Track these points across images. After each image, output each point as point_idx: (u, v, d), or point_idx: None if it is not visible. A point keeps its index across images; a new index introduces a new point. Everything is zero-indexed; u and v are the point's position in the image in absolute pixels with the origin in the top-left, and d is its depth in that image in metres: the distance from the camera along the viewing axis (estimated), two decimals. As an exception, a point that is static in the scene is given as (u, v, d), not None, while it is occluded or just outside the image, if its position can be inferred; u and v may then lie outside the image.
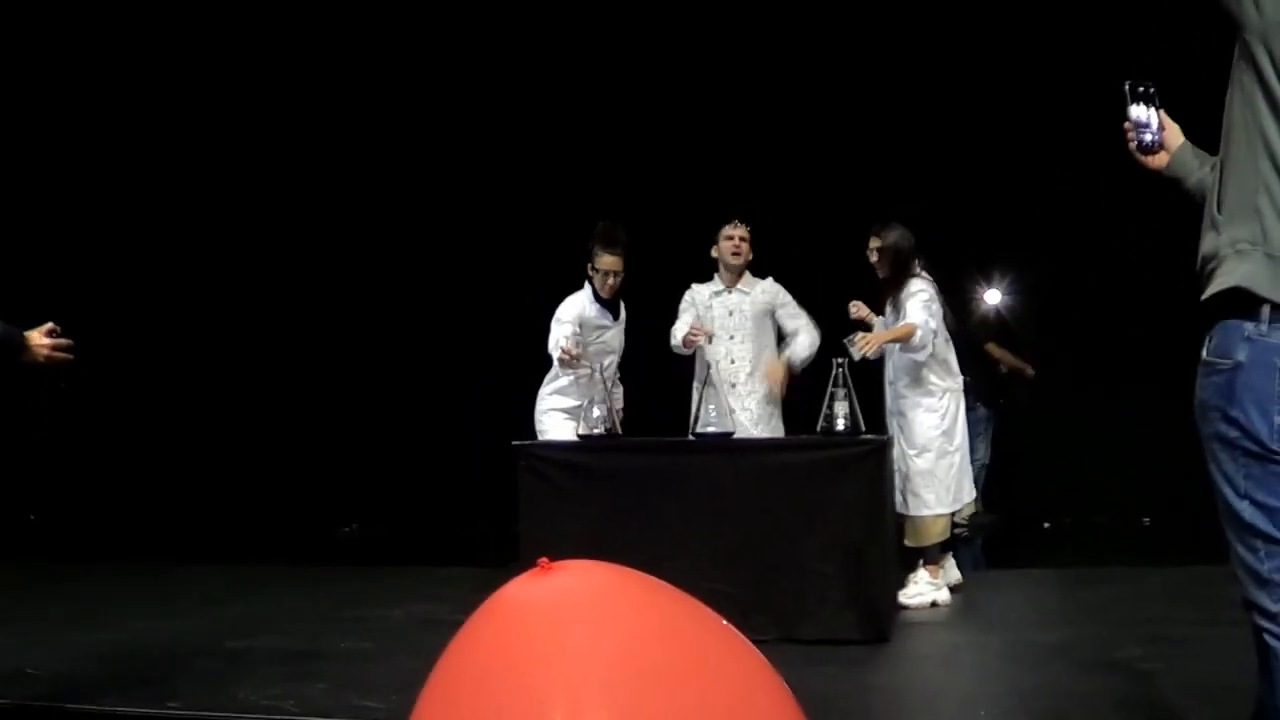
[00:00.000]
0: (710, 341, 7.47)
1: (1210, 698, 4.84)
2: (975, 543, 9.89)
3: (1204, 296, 2.92)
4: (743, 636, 2.73)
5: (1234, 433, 2.81)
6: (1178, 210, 3.41)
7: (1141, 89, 3.44)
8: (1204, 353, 2.90)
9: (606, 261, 7.37)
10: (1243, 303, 2.81)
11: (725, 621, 2.74)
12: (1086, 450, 10.22)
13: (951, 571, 7.50)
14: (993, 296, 10.96)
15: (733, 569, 6.37)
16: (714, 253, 7.63)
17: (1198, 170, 3.31)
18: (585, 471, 6.66)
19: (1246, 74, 2.86)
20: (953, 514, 7.37)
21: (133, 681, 5.69)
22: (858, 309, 7.41)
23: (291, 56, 11.15)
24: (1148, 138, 3.42)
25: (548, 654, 2.49)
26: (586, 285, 7.49)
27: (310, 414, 11.52)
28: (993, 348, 10.58)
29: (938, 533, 7.21)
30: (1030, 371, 10.62)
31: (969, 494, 7.45)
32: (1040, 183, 10.15)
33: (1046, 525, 10.74)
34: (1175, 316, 10.05)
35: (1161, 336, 10.27)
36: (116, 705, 5.28)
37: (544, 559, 2.69)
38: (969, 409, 10.11)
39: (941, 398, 7.33)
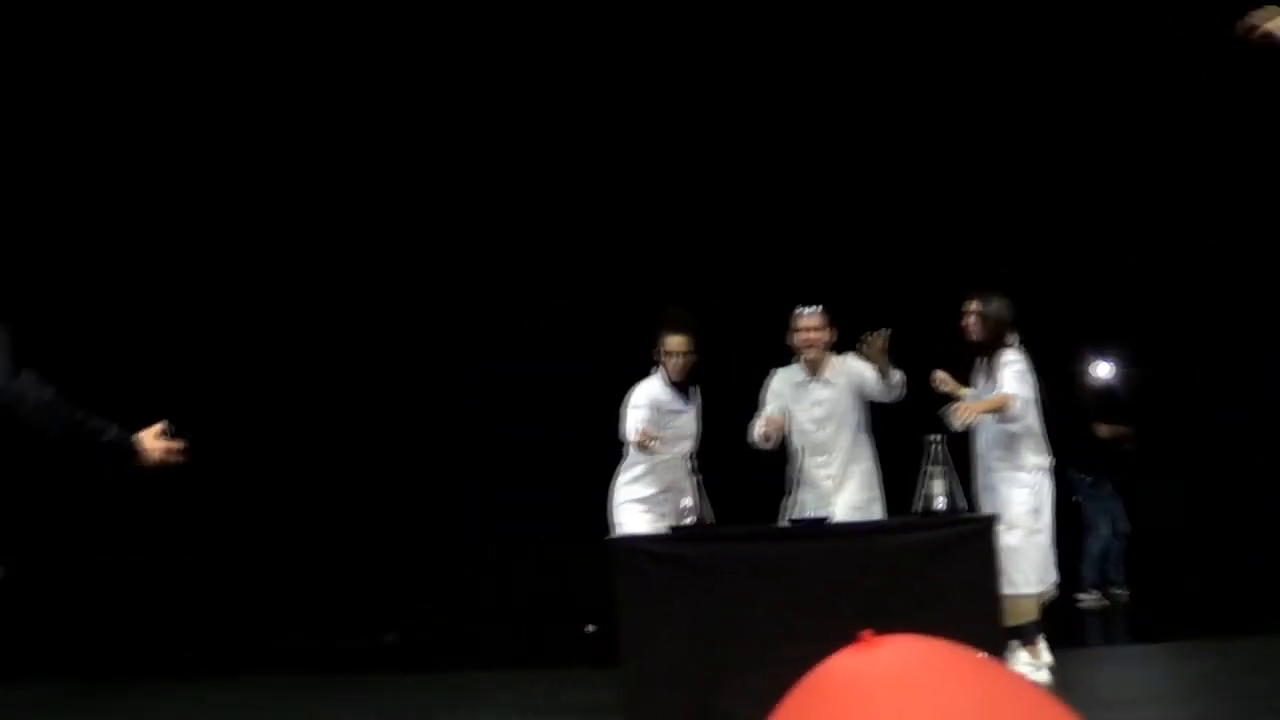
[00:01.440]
0: (783, 434, 7.20)
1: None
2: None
3: None
4: (1068, 710, 2.53)
5: None
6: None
7: None
8: None
9: (674, 343, 7.15)
10: None
11: (1054, 697, 2.54)
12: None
13: (1044, 653, 7.25)
14: (1103, 370, 10.85)
15: (844, 657, 6.12)
16: (790, 341, 7.30)
17: None
18: (683, 564, 6.41)
19: None
20: (1040, 594, 7.13)
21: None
22: (944, 381, 7.20)
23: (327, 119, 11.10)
24: None
25: None
26: (657, 370, 7.24)
27: (330, 519, 11.23)
28: (1101, 429, 10.47)
29: (1026, 611, 6.97)
30: (1130, 434, 10.48)
31: (1054, 574, 7.21)
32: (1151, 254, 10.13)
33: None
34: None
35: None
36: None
37: (868, 631, 2.55)
38: (1094, 485, 10.13)
39: (1033, 474, 7.13)
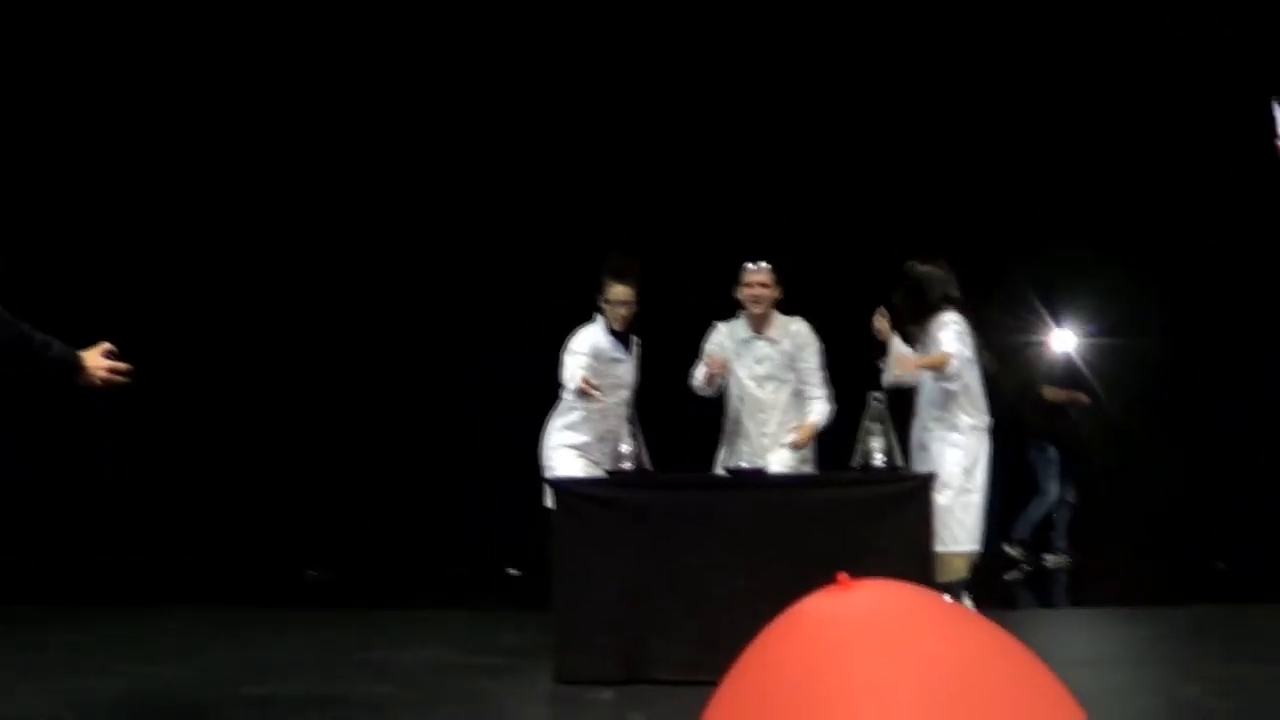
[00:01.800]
0: (727, 375, 7.22)
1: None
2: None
3: None
4: (1045, 666, 2.51)
5: None
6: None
7: None
8: None
9: (618, 292, 7.11)
10: None
11: (1023, 645, 2.52)
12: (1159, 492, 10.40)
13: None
14: (1063, 340, 10.91)
15: (776, 608, 6.10)
16: (737, 295, 7.31)
17: None
18: (622, 508, 6.36)
19: None
20: (971, 554, 7.17)
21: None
22: (881, 321, 7.22)
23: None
24: None
25: (854, 669, 2.35)
26: (598, 318, 7.20)
27: (265, 453, 11.09)
28: (1046, 390, 10.58)
29: (956, 569, 7.02)
30: (1084, 399, 10.59)
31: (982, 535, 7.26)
32: (1117, 222, 10.19)
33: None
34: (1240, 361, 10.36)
35: (1227, 379, 10.55)
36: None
37: (843, 575, 2.53)
38: (1041, 450, 10.22)
39: (968, 434, 7.15)
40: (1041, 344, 10.85)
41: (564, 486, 6.54)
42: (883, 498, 6.28)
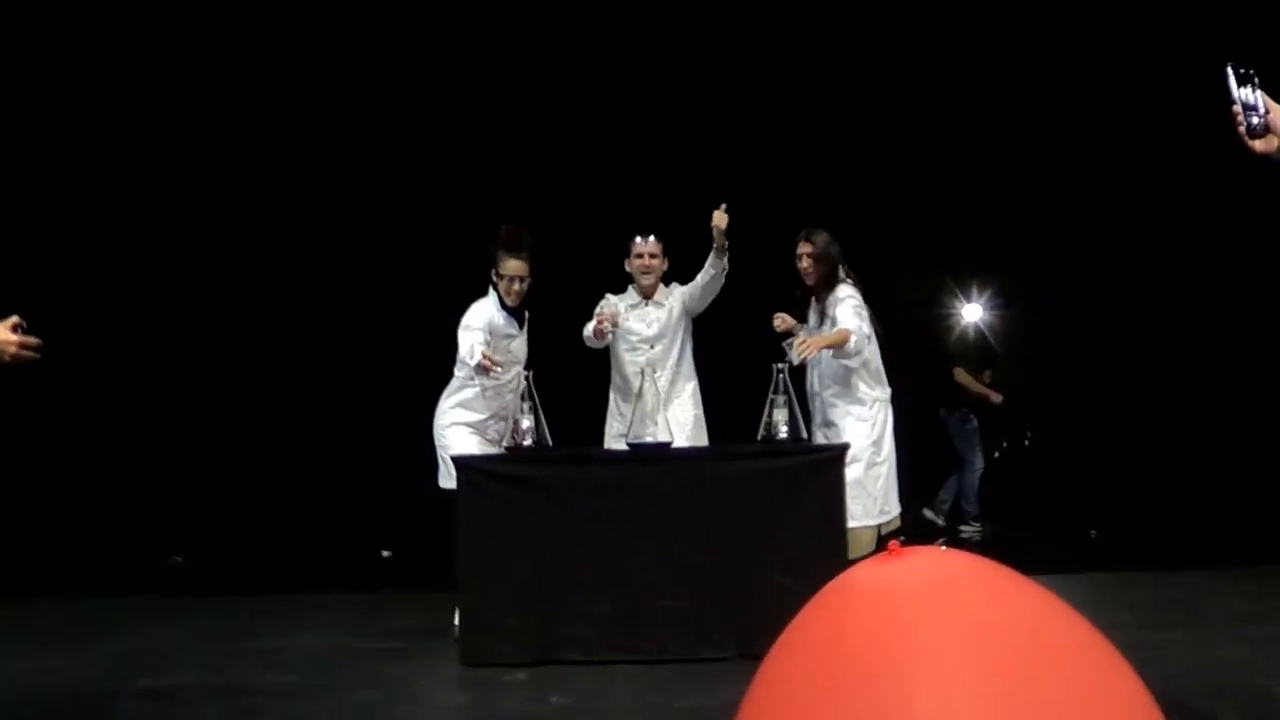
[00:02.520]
0: (618, 327, 7.25)
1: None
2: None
3: None
4: (1100, 634, 2.45)
5: None
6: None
7: (1243, 71, 3.33)
8: None
9: (511, 267, 6.94)
10: None
11: (1080, 615, 2.46)
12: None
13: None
14: (972, 312, 10.96)
15: (689, 585, 6.09)
16: (627, 267, 7.44)
17: None
18: (527, 485, 6.21)
19: None
20: (880, 526, 7.18)
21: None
22: (782, 322, 7.21)
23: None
24: (1255, 120, 3.30)
25: (911, 636, 2.26)
26: (490, 292, 7.04)
27: (120, 438, 10.73)
28: (959, 374, 10.69)
29: (866, 543, 7.00)
30: (996, 398, 10.71)
31: (896, 506, 7.28)
32: (1023, 193, 10.27)
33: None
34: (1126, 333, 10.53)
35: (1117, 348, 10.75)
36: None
37: (894, 542, 2.44)
38: (964, 421, 10.33)
39: (871, 407, 7.19)
40: (953, 317, 10.98)
41: (467, 463, 6.36)
42: (794, 469, 6.23)
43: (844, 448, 6.45)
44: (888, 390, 7.26)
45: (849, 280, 7.18)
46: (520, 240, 7.00)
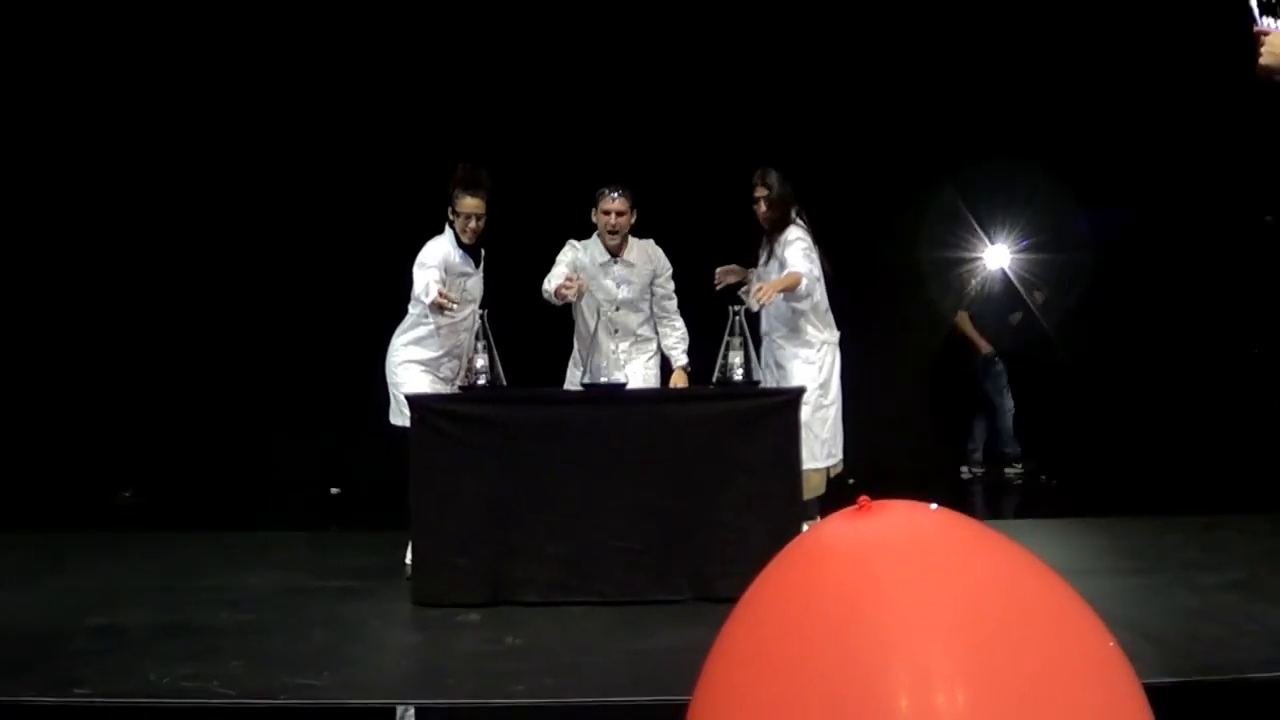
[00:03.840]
0: (581, 297, 7.09)
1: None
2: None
3: None
4: (1079, 596, 2.44)
5: None
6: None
7: (1267, 1, 3.32)
8: None
9: (468, 204, 6.88)
10: None
11: (1059, 577, 2.44)
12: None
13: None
14: (998, 256, 10.95)
15: (645, 527, 6.11)
16: (593, 218, 7.22)
17: None
18: (483, 424, 6.19)
19: None
20: (828, 469, 7.21)
21: (11, 667, 4.98)
22: (726, 273, 7.23)
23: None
24: None
25: (880, 598, 2.22)
26: (447, 230, 6.99)
27: (65, 370, 10.60)
28: (960, 319, 10.85)
29: (815, 486, 7.03)
30: (985, 349, 10.78)
31: (840, 449, 7.30)
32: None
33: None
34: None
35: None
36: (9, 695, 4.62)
37: (864, 497, 2.38)
38: (988, 365, 10.48)
39: (819, 349, 7.18)
40: (976, 260, 11.00)
41: (421, 402, 6.33)
42: (750, 412, 6.23)
43: (799, 391, 6.47)
44: (835, 333, 7.24)
45: (798, 222, 7.16)
46: (478, 179, 6.94)
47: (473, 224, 6.91)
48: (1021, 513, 9.44)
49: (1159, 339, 10.83)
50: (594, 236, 7.25)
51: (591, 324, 7.19)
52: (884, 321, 10.25)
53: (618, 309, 7.22)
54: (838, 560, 2.34)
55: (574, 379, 7.25)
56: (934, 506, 2.46)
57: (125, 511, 9.86)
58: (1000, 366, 10.76)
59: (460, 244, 6.95)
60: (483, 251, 7.12)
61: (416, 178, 7.78)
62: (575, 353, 7.38)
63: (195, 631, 5.58)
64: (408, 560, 6.43)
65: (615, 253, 7.18)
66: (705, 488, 6.12)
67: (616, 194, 7.10)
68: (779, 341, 7.22)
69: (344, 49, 10.42)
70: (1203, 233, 10.66)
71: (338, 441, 10.30)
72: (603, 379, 6.62)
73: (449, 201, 6.94)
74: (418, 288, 6.77)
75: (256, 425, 10.61)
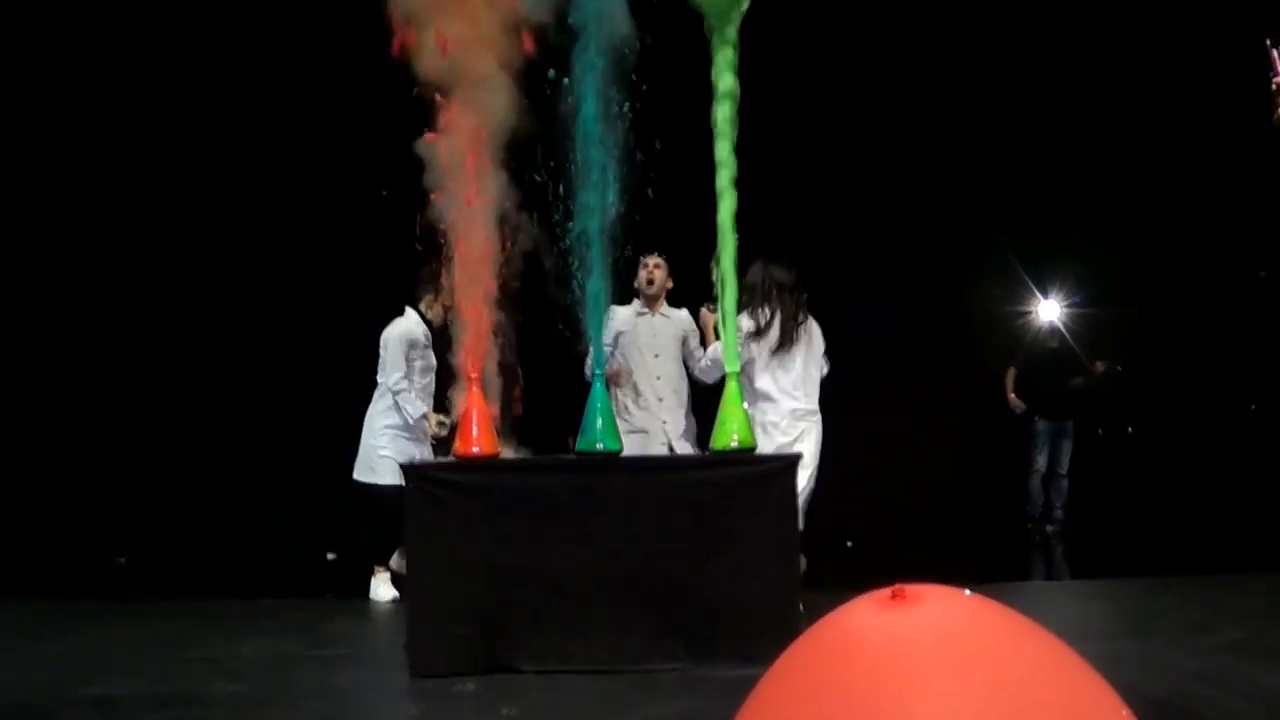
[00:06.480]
0: (628, 380, 7.90)
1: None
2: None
3: None
4: (1106, 684, 2.39)
5: None
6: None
7: None
8: None
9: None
10: None
11: (1096, 671, 2.39)
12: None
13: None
14: (1049, 310, 10.98)
15: (641, 594, 6.07)
16: (636, 283, 8.02)
17: None
18: (477, 492, 6.15)
19: None
20: None
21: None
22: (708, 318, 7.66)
23: None
24: None
25: (913, 702, 2.14)
26: (410, 312, 8.36)
27: (63, 436, 10.59)
28: (1007, 377, 11.02)
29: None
30: (1017, 406, 10.97)
31: None
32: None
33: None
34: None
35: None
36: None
37: (899, 586, 2.31)
38: (1028, 422, 10.74)
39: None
40: (1029, 314, 11.03)
41: (416, 470, 6.32)
42: (746, 479, 6.21)
43: (795, 458, 6.45)
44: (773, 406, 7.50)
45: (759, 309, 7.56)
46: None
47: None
48: (1020, 573, 9.38)
49: (1156, 395, 10.83)
50: (635, 299, 8.08)
51: (632, 375, 7.87)
52: (935, 375, 10.41)
53: (656, 356, 7.88)
54: (870, 655, 2.26)
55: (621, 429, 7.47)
56: (968, 593, 2.40)
57: (119, 578, 9.80)
58: (1040, 426, 10.78)
59: (425, 320, 8.18)
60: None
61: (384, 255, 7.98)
62: (618, 403, 7.78)
63: (188, 702, 5.53)
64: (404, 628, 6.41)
65: (652, 309, 7.99)
66: (701, 554, 6.09)
67: (653, 257, 8.01)
68: (799, 409, 7.48)
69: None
70: (1199, 288, 10.69)
71: (333, 506, 10.23)
72: (599, 445, 6.60)
73: (417, 287, 8.09)
74: (410, 412, 8.13)
75: (251, 489, 10.56)
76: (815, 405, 7.48)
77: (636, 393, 7.88)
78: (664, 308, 8.07)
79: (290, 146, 10.31)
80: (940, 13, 10.42)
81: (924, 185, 10.42)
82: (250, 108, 10.39)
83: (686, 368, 7.96)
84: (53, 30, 10.35)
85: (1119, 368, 10.87)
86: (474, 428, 6.40)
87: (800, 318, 7.44)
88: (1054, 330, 11.02)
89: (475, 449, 6.37)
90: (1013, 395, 10.90)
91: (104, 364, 10.57)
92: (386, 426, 8.21)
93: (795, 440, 7.30)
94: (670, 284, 8.08)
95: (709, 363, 7.40)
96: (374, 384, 8.38)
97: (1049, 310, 11.06)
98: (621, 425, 7.33)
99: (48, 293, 10.56)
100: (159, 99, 10.47)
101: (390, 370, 8.13)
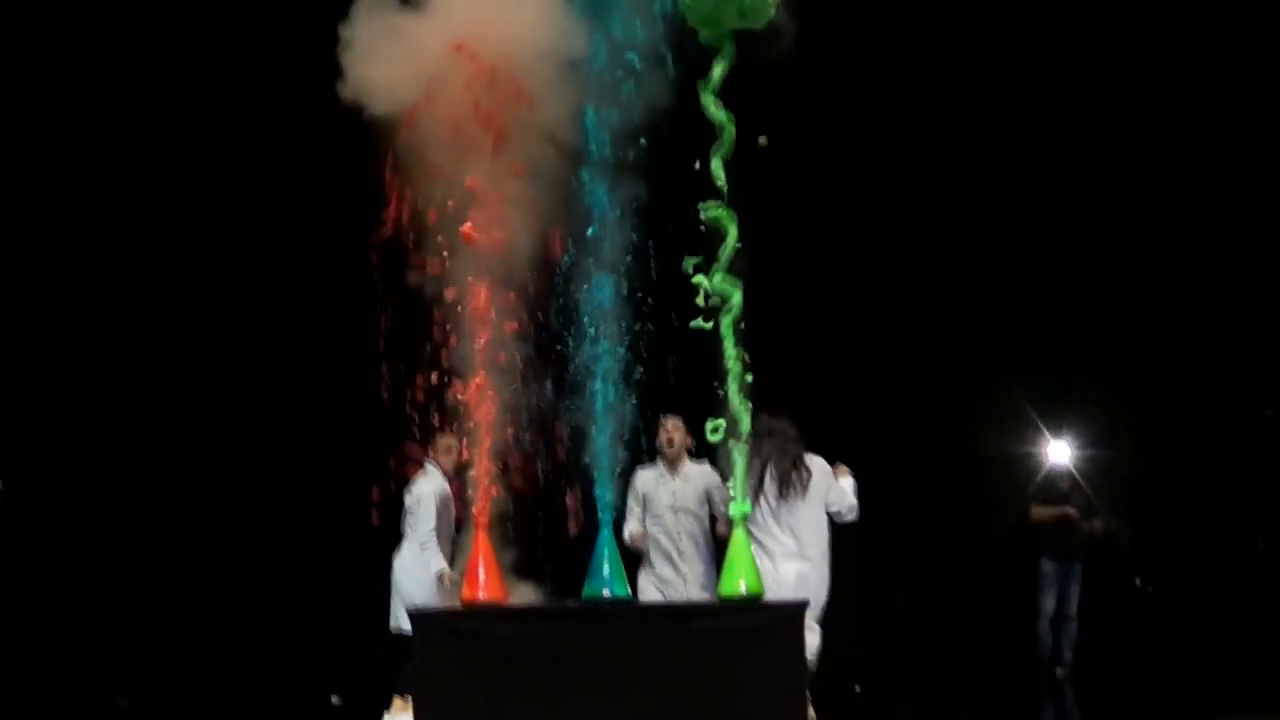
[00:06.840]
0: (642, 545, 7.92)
1: None
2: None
3: None
4: None
5: None
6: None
7: None
8: None
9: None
10: None
11: None
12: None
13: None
14: (1060, 452, 10.98)
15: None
16: (656, 442, 8.02)
17: None
18: (484, 641, 6.19)
19: None
20: None
21: None
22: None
23: None
24: None
25: None
26: (432, 469, 8.33)
27: (62, 573, 10.55)
28: (1036, 509, 10.81)
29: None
30: (1072, 512, 10.72)
31: None
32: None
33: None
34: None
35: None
36: None
37: None
38: (1035, 566, 10.60)
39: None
40: (1038, 456, 11.04)
41: (426, 617, 6.35)
42: (754, 627, 6.23)
43: (802, 605, 6.47)
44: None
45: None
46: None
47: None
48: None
49: (1160, 533, 10.83)
50: (657, 460, 8.06)
51: (653, 530, 7.90)
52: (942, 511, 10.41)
53: (677, 513, 7.88)
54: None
55: (644, 584, 7.83)
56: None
57: (121, 718, 9.72)
58: (1047, 567, 10.73)
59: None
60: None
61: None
62: (646, 557, 7.95)
63: None
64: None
65: (672, 468, 7.99)
66: (708, 703, 6.08)
67: (671, 419, 8.00)
68: (811, 556, 7.59)
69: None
70: (1202, 427, 10.72)
71: (339, 647, 10.19)
72: (606, 592, 6.62)
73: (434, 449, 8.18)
74: (435, 570, 7.96)
75: (256, 630, 10.49)
76: (817, 553, 7.53)
77: (659, 547, 7.92)
78: (685, 468, 8.06)
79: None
80: (939, 12, 10.54)
81: (923, 186, 10.48)
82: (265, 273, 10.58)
83: (712, 520, 7.93)
84: (53, 33, 10.39)
85: (1114, 526, 10.82)
86: (480, 573, 6.44)
87: (799, 465, 7.61)
88: (1065, 472, 11.00)
89: (481, 594, 6.41)
90: (1046, 510, 10.81)
91: (103, 498, 10.56)
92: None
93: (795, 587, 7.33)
94: (691, 442, 8.06)
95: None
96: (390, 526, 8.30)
97: (1059, 452, 11.05)
98: (646, 577, 7.82)
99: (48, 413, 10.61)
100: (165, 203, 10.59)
101: (422, 524, 8.12)
